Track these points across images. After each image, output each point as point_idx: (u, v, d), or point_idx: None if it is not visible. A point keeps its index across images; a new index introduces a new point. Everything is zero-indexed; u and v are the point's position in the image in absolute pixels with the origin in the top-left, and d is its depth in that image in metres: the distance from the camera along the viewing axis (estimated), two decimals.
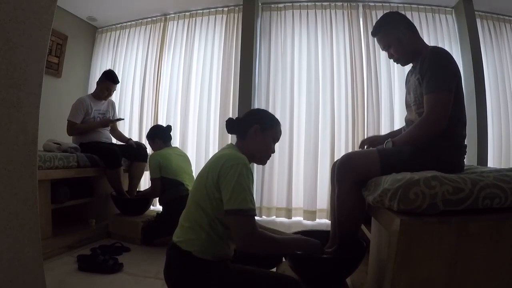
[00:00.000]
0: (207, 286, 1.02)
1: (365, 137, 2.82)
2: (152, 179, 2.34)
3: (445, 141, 1.21)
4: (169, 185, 2.29)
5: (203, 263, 1.02)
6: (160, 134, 2.50)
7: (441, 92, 1.15)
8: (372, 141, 1.50)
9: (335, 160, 1.69)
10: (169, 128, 2.55)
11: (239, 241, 0.98)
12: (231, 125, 1.24)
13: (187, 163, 2.50)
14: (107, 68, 3.08)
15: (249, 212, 0.97)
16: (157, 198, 2.48)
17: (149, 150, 2.87)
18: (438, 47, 1.30)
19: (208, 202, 1.03)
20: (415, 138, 1.21)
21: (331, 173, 1.50)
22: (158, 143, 2.47)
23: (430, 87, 1.17)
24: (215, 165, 1.04)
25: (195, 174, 2.40)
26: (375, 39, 1.43)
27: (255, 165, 3.11)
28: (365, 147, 1.50)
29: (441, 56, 1.21)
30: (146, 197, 2.53)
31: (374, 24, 1.41)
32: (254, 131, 1.17)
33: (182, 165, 2.41)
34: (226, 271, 1.03)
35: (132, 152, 2.69)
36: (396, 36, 1.32)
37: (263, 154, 1.21)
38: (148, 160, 2.45)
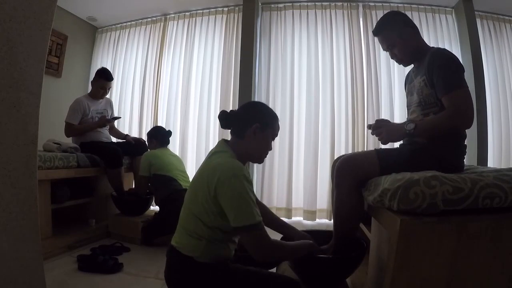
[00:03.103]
0: None
1: (367, 134, 2.70)
2: (139, 176, 2.41)
3: (445, 141, 1.21)
4: (162, 182, 2.31)
5: (204, 266, 1.01)
6: (159, 136, 2.55)
7: (461, 88, 1.15)
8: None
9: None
10: (169, 133, 2.62)
11: (255, 254, 0.97)
12: (226, 119, 1.15)
13: (179, 162, 2.56)
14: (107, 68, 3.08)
15: (259, 225, 0.95)
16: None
17: None
18: (442, 48, 1.30)
19: (205, 215, 1.00)
20: (441, 128, 1.16)
21: (331, 171, 1.50)
22: (154, 143, 2.54)
23: (449, 86, 1.15)
24: (210, 178, 0.98)
25: (192, 174, 2.41)
26: (377, 39, 1.40)
27: (255, 165, 3.11)
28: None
29: (449, 56, 1.21)
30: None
31: (376, 23, 1.38)
32: (253, 130, 1.09)
33: (174, 162, 2.45)
34: (226, 272, 1.03)
35: (132, 148, 2.71)
36: (401, 35, 1.31)
37: (261, 153, 1.15)
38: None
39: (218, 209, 0.98)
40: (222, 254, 1.07)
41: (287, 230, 1.31)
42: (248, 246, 0.97)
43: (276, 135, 1.19)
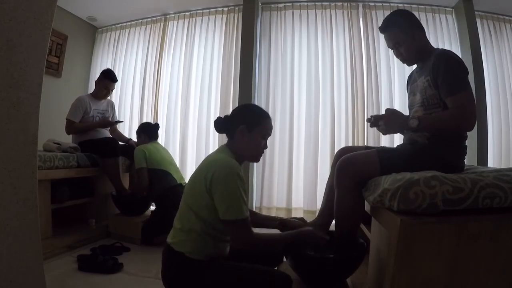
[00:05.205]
0: (201, 285, 1.03)
1: (367, 133, 2.71)
2: (137, 169, 2.34)
3: (445, 141, 1.21)
4: (157, 177, 2.31)
5: (195, 263, 1.04)
6: (147, 130, 2.57)
7: (466, 90, 1.16)
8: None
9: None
10: (156, 126, 2.63)
11: (239, 245, 1.11)
12: (219, 125, 1.21)
13: (170, 156, 2.58)
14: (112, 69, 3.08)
15: (245, 220, 1.03)
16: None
17: None
18: (447, 50, 1.31)
19: (204, 208, 1.05)
20: (445, 127, 1.18)
21: (333, 163, 1.52)
22: (143, 138, 2.54)
23: (455, 88, 1.16)
24: (207, 172, 1.05)
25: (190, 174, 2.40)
26: (384, 36, 1.38)
27: (254, 164, 3.11)
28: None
29: (455, 59, 1.22)
30: (135, 194, 2.49)
31: (384, 20, 1.37)
32: (240, 132, 1.13)
33: (166, 156, 2.47)
34: (218, 269, 1.05)
35: (132, 152, 2.69)
36: (409, 35, 1.31)
37: (253, 153, 1.18)
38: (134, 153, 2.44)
39: (211, 202, 1.04)
40: (214, 252, 1.10)
41: (276, 223, 1.36)
42: (233, 237, 1.10)
43: (269, 134, 1.20)
